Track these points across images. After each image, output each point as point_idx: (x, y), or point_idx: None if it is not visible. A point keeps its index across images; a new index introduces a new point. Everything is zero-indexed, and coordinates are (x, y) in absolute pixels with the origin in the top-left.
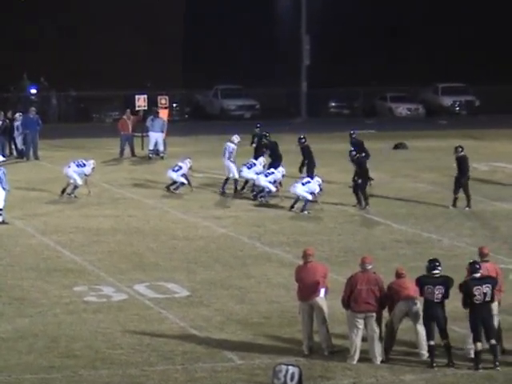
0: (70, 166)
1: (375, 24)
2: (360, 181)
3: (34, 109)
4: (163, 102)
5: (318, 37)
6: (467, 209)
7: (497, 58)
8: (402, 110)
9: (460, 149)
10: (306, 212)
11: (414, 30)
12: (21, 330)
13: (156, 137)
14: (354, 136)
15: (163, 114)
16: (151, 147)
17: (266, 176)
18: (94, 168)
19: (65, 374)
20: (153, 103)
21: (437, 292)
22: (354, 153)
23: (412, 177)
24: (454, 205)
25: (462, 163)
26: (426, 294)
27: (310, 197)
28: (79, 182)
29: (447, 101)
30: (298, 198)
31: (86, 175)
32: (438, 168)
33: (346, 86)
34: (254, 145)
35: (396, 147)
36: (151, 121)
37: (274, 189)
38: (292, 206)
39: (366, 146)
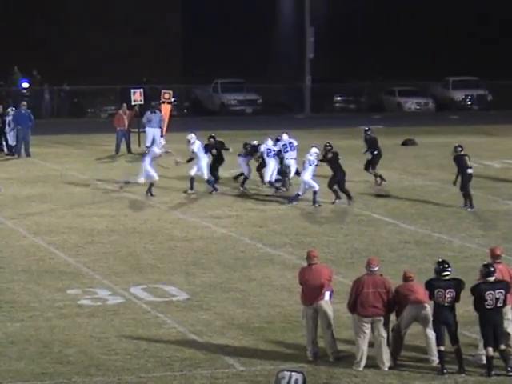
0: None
1: (381, 16)
2: (334, 175)
3: (25, 103)
4: (166, 96)
5: (322, 29)
6: (471, 209)
7: (509, 51)
8: (410, 104)
9: (459, 148)
10: (317, 204)
11: (422, 21)
12: (12, 335)
13: (153, 132)
14: (368, 133)
15: (166, 108)
16: (148, 143)
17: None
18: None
19: (58, 381)
20: (150, 98)
21: (448, 295)
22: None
23: (421, 174)
24: (465, 204)
25: (459, 162)
26: (437, 298)
27: (317, 186)
28: (155, 177)
29: (458, 95)
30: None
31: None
32: (449, 165)
33: (352, 80)
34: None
35: (405, 143)
36: (149, 116)
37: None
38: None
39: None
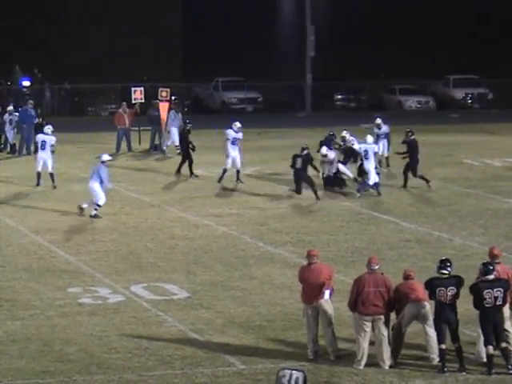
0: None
1: (381, 16)
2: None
3: (31, 102)
4: (164, 94)
5: (322, 28)
6: (403, 189)
7: (509, 51)
8: (411, 103)
9: (410, 133)
10: (358, 194)
11: (422, 21)
12: (12, 334)
13: (173, 132)
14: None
15: (163, 107)
16: (169, 143)
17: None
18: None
19: (58, 380)
20: (150, 96)
21: (449, 293)
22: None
23: (422, 173)
24: (405, 186)
25: (410, 146)
26: (439, 297)
27: (351, 174)
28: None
29: (459, 93)
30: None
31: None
32: (450, 163)
33: (353, 79)
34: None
35: (405, 142)
36: (173, 115)
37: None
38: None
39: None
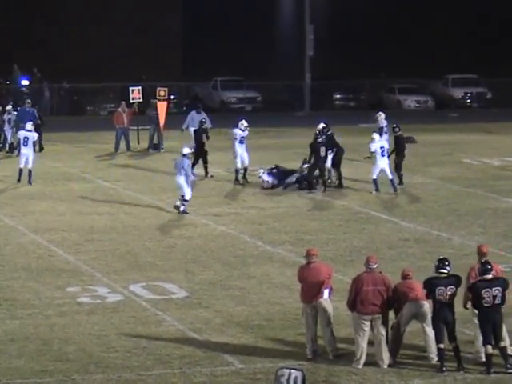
0: None
1: (381, 16)
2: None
3: (29, 101)
4: (162, 93)
5: (322, 28)
6: (400, 186)
7: (509, 51)
8: (410, 102)
9: (397, 129)
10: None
11: (422, 21)
12: (11, 333)
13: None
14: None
15: (161, 106)
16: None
17: None
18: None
19: (57, 379)
20: (149, 95)
21: (449, 293)
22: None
23: (421, 172)
24: (401, 182)
25: (397, 142)
26: (438, 296)
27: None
28: None
29: (458, 93)
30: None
31: None
32: (449, 163)
33: (352, 78)
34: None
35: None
36: (194, 115)
37: None
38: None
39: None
